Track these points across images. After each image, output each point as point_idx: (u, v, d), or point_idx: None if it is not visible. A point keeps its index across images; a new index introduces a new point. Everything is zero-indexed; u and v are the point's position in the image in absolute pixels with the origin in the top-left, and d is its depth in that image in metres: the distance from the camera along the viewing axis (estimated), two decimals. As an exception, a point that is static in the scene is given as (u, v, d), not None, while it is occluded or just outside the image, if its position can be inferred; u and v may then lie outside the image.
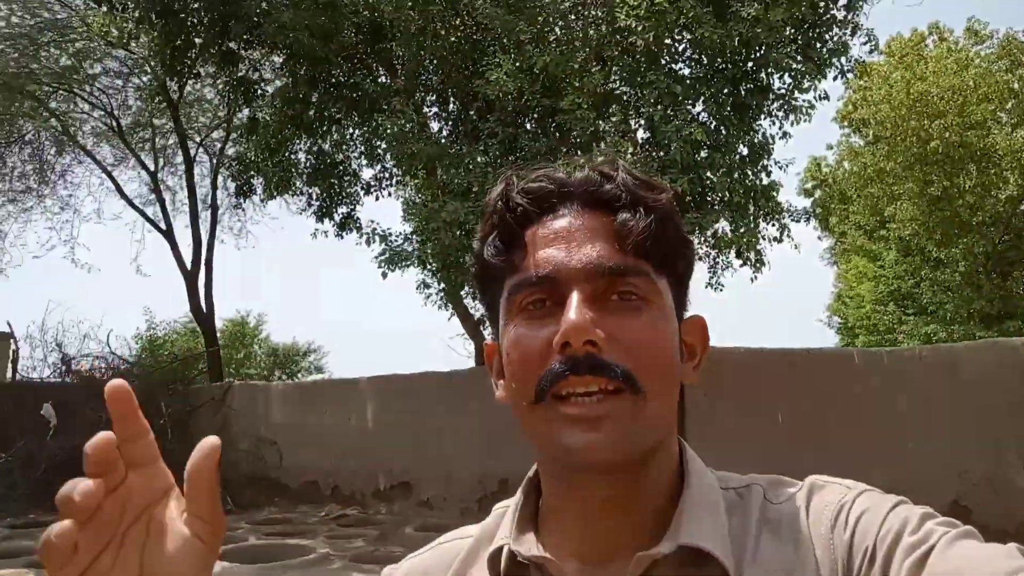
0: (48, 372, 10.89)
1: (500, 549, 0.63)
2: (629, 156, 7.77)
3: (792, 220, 8.47)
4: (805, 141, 34.56)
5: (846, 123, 20.41)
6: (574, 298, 0.57)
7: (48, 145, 13.48)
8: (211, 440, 0.47)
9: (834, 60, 7.68)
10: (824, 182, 22.37)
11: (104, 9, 9.18)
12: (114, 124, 12.88)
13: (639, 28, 7.00)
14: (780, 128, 7.91)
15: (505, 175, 0.65)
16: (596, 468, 0.57)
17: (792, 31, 7.64)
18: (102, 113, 13.02)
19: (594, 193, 0.62)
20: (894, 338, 18.25)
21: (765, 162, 7.92)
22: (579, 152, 7.42)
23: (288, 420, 9.24)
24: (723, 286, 9.27)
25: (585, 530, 0.62)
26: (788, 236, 8.20)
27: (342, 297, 54.80)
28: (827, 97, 8.00)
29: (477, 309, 10.31)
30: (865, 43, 8.11)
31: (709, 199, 7.55)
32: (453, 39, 8.54)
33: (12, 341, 11.89)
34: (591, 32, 7.74)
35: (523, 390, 0.59)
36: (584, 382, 0.56)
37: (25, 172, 13.46)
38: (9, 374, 11.65)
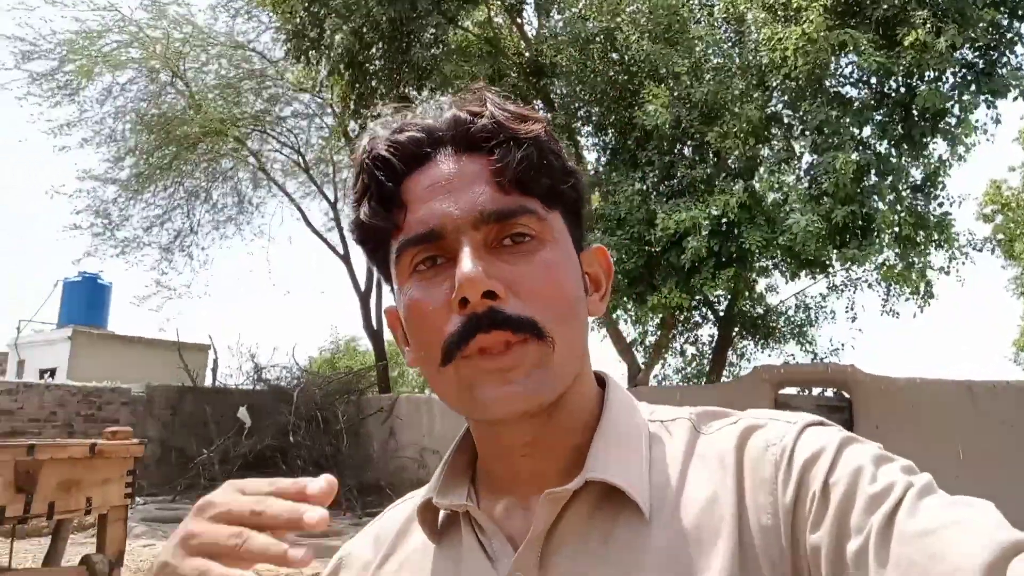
0: (242, 379, 12.31)
1: (428, 502, 0.62)
2: (791, 180, 7.70)
3: (974, 250, 8.04)
4: (983, 164, 31.68)
5: (1032, 142, 18.62)
6: (465, 251, 0.54)
7: (246, 180, 15.21)
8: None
9: (1013, 82, 7.20)
10: (1006, 206, 20.46)
11: (301, 64, 10.42)
12: (300, 160, 14.38)
13: (796, 62, 6.99)
14: (955, 151, 7.48)
15: (369, 128, 0.61)
16: (512, 419, 0.55)
17: (972, 53, 7.28)
18: (290, 151, 14.59)
19: (466, 134, 0.57)
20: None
21: (938, 192, 7.55)
22: (741, 179, 7.45)
23: (449, 433, 9.79)
24: (898, 313, 8.90)
25: (510, 473, 0.61)
26: (957, 271, 7.79)
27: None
28: (999, 121, 7.54)
29: (629, 333, 10.47)
30: None
31: (874, 229, 7.29)
32: (611, 73, 8.91)
33: (212, 351, 13.53)
34: (751, 58, 7.79)
35: (429, 355, 0.56)
36: (491, 339, 0.53)
37: (226, 204, 15.19)
38: (209, 380, 13.19)
